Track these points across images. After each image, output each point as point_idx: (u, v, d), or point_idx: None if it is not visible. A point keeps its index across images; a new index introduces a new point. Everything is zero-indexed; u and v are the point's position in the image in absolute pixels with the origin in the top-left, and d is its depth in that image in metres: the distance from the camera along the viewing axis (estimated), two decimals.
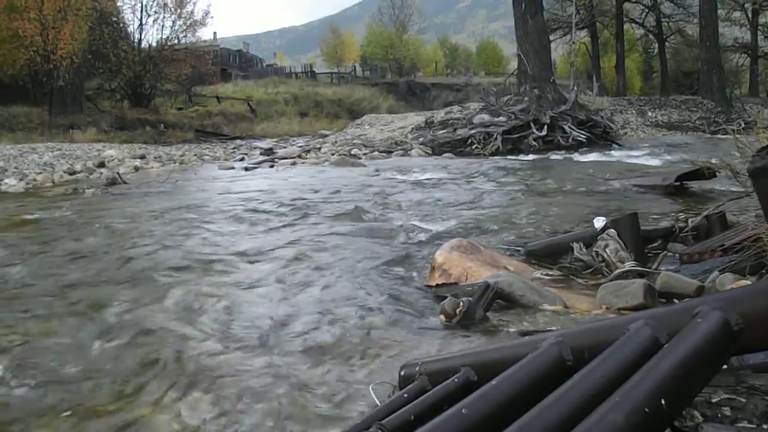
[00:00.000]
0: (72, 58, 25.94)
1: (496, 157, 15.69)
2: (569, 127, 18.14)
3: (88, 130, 24.49)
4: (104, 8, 30.79)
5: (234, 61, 53.54)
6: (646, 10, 43.62)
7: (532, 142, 17.38)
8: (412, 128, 22.24)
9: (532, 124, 17.82)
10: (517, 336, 2.69)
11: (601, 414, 1.14)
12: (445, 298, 3.24)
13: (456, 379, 1.67)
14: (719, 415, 1.57)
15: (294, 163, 14.61)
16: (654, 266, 3.90)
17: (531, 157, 15.45)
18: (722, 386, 1.70)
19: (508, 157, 15.55)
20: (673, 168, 9.58)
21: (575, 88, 23.08)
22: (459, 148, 17.41)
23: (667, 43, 45.10)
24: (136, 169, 13.97)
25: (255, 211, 7.07)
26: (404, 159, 15.63)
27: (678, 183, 7.73)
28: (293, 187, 9.18)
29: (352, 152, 17.28)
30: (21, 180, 11.47)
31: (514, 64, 28.76)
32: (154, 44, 32.72)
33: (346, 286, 3.90)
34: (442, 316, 3.17)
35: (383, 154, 16.97)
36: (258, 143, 23.77)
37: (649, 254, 4.28)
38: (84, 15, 26.92)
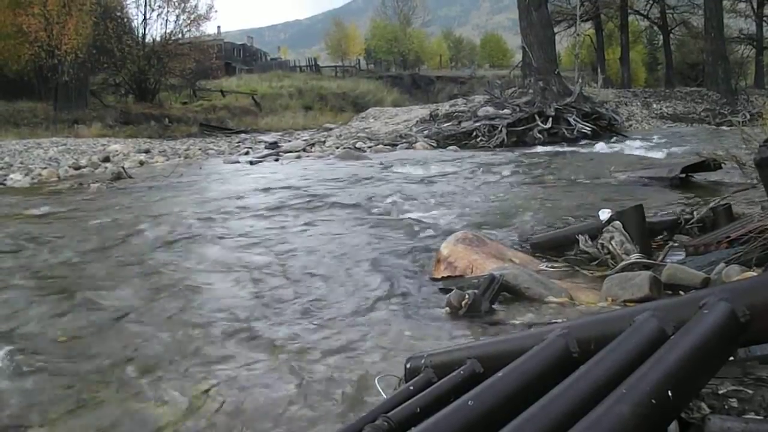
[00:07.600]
0: (76, 53, 25.98)
1: (500, 149, 15.65)
2: (574, 120, 18.08)
3: (93, 124, 24.53)
4: (108, 3, 30.82)
5: (238, 55, 53.38)
6: (651, 2, 43.30)
7: (537, 134, 17.32)
8: (417, 121, 22.14)
9: (536, 117, 17.76)
10: (523, 328, 2.69)
11: (608, 405, 1.13)
12: (451, 290, 3.25)
13: (462, 372, 1.67)
14: (726, 407, 1.57)
15: (299, 157, 14.61)
16: (660, 258, 3.90)
17: (535, 149, 15.39)
18: (729, 378, 1.70)
19: (513, 149, 15.50)
20: (679, 160, 9.53)
21: (580, 81, 22.98)
22: (464, 140, 17.37)
23: (671, 35, 44.79)
24: (141, 163, 14.00)
25: (259, 204, 7.07)
26: (409, 152, 15.59)
27: (683, 175, 7.70)
28: (298, 181, 9.18)
29: (357, 145, 17.26)
30: (26, 175, 11.50)
31: (518, 57, 28.62)
32: (158, 39, 32.73)
33: (351, 279, 3.90)
34: (447, 309, 3.17)
35: (388, 147, 16.93)
36: (263, 137, 23.76)
37: (655, 246, 4.27)
38: (88, 10, 26.95)
